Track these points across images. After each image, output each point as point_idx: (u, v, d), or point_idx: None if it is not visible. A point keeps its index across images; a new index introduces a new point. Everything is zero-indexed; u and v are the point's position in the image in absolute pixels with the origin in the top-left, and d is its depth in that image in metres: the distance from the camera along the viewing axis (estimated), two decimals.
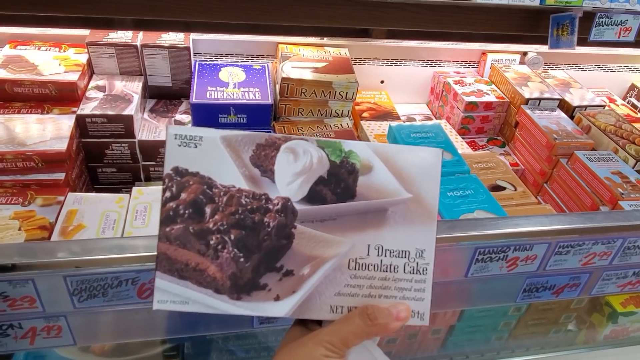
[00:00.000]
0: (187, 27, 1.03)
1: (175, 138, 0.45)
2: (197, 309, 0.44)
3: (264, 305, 0.43)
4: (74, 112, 1.17)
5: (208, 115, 1.28)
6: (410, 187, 0.45)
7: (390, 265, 0.43)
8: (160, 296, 0.45)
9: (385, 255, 0.43)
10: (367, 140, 1.35)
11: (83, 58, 1.28)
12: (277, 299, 0.44)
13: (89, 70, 1.30)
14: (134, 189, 1.06)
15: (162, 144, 1.20)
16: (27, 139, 1.07)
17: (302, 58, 1.39)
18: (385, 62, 1.60)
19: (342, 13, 0.93)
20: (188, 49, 1.32)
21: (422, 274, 0.43)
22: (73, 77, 1.20)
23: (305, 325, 0.46)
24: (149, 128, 1.25)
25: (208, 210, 0.44)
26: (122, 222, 0.98)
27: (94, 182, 1.31)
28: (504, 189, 1.16)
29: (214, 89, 1.30)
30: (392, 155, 0.45)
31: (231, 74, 1.38)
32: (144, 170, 1.30)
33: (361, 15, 0.94)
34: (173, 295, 0.45)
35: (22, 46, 1.28)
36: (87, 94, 1.24)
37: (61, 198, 1.03)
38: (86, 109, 1.19)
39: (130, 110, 1.20)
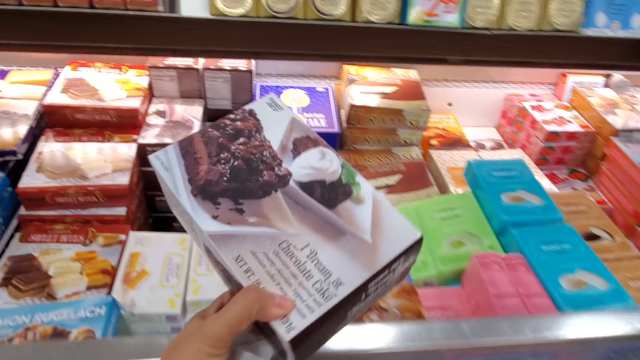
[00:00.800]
0: (255, 55, 0.96)
1: (268, 102, 0.58)
2: (166, 179, 0.50)
3: (203, 215, 0.47)
4: (134, 141, 1.12)
5: None
6: (375, 236, 0.46)
7: (308, 270, 0.44)
8: (161, 154, 0.53)
9: (312, 261, 0.44)
10: (438, 172, 1.25)
11: (144, 81, 1.23)
12: (214, 218, 0.47)
13: (149, 93, 1.25)
14: None
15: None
16: (89, 170, 1.02)
17: (369, 81, 1.30)
18: (454, 83, 1.48)
19: (429, 43, 0.83)
20: (250, 72, 1.25)
21: (324, 299, 0.42)
22: (134, 103, 1.15)
23: (204, 316, 0.45)
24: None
25: (240, 140, 0.53)
26: (186, 267, 0.92)
27: (151, 210, 1.26)
28: (598, 237, 1.04)
29: None
30: (383, 207, 0.49)
31: (294, 98, 1.30)
32: None
33: (450, 47, 0.85)
34: (166, 160, 0.52)
35: (82, 67, 1.25)
36: (148, 119, 1.19)
37: (123, 237, 0.98)
38: (147, 137, 1.13)
39: None
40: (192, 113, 1.23)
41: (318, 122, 1.22)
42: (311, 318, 0.40)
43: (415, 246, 0.46)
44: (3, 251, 0.94)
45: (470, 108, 1.54)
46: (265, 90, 1.31)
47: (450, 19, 0.79)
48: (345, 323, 0.47)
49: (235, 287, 0.46)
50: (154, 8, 0.73)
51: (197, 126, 1.19)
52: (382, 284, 0.46)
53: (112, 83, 1.20)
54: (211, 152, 0.51)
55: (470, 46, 0.84)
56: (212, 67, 1.24)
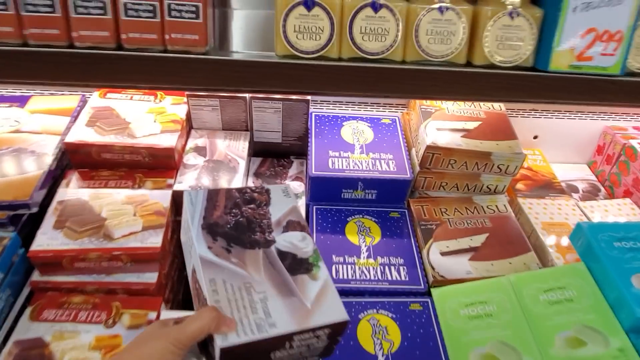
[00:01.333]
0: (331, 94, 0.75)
1: (283, 189, 0.70)
2: (189, 211, 0.63)
3: (202, 243, 0.59)
4: (169, 187, 0.94)
5: (329, 189, 1.00)
6: (313, 306, 0.55)
7: (256, 308, 0.53)
8: (193, 193, 0.66)
9: (261, 302, 0.53)
10: (532, 229, 1.02)
11: (181, 111, 1.05)
12: (209, 248, 0.58)
13: (187, 125, 1.07)
14: None
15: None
16: (115, 228, 0.84)
17: (447, 115, 1.08)
18: (542, 113, 1.25)
19: (574, 91, 0.61)
20: (307, 101, 1.05)
21: (258, 331, 0.50)
22: (171, 140, 0.97)
23: (165, 324, 0.53)
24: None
25: (251, 205, 0.66)
26: None
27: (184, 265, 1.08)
28: None
29: (337, 154, 1.03)
30: (329, 289, 0.58)
31: (356, 132, 1.10)
32: None
33: (601, 96, 0.63)
34: (195, 198, 0.65)
35: (112, 94, 1.07)
36: (185, 158, 1.01)
37: (152, 315, 0.80)
38: (184, 182, 0.95)
39: (237, 183, 0.96)
40: (237, 150, 1.04)
41: (387, 165, 1.01)
42: (243, 339, 0.49)
43: (341, 326, 0.54)
44: (10, 331, 0.77)
45: (559, 142, 1.30)
46: (322, 121, 1.11)
47: (607, 63, 0.57)
48: None
49: (200, 304, 0.56)
50: (202, 49, 0.54)
51: (242, 167, 1.00)
52: (306, 344, 0.54)
53: (145, 114, 1.03)
54: (227, 205, 0.64)
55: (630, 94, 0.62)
56: (261, 96, 1.04)
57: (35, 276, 0.83)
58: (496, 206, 1.05)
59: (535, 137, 1.29)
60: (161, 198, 0.92)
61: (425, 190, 1.07)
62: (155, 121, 1.01)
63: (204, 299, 0.53)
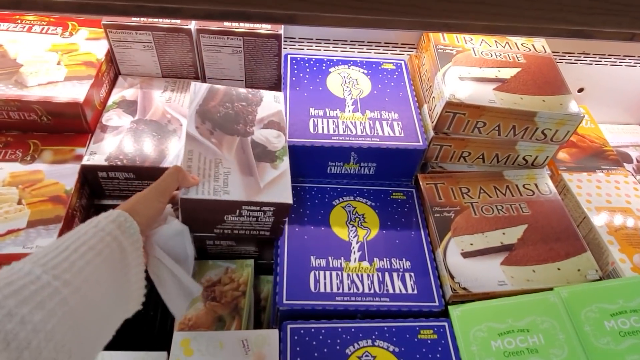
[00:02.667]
0: (290, 20, 0.44)
1: (275, 96, 0.74)
2: (191, 96, 0.69)
3: (192, 122, 0.65)
4: (77, 160, 0.65)
5: (311, 159, 0.72)
6: (265, 187, 0.62)
7: (218, 178, 0.61)
8: (198, 85, 0.70)
9: (224, 175, 0.62)
10: (581, 213, 0.76)
11: (100, 49, 0.74)
12: (196, 127, 0.65)
13: (109, 70, 0.76)
14: (177, 339, 0.54)
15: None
16: None
17: (474, 59, 0.78)
18: (593, 57, 0.95)
19: None
20: (278, 37, 0.75)
21: (214, 193, 0.59)
22: (79, 91, 0.67)
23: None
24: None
25: (243, 103, 0.71)
26: None
27: None
28: None
29: (322, 112, 0.74)
30: (285, 178, 0.64)
31: (347, 81, 0.80)
32: (195, 241, 0.78)
33: None
34: (199, 90, 0.70)
35: (4, 24, 0.76)
36: (105, 118, 0.71)
37: None
38: (99, 152, 0.66)
39: (177, 157, 0.67)
40: (179, 107, 0.74)
41: (390, 128, 0.72)
42: (200, 196, 0.57)
43: (284, 207, 0.61)
44: None
45: (607, 96, 1.01)
46: (300, 66, 0.81)
47: None
48: (221, 230, 0.64)
49: None
50: None
51: (184, 129, 0.71)
52: (254, 216, 0.62)
53: (45, 53, 0.72)
54: (222, 99, 0.70)
55: None
56: (212, 28, 0.73)
57: None
58: (536, 185, 0.77)
59: (580, 90, 0.99)
60: (63, 177, 0.63)
61: (440, 163, 0.79)
62: (59, 63, 0.71)
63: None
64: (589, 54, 0.93)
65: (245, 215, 0.62)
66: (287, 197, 0.61)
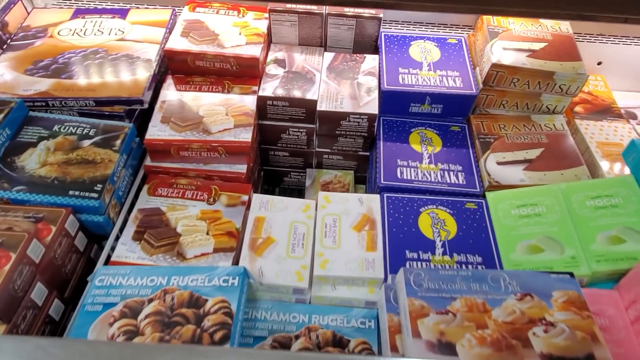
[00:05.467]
0: (390, 6, 0.81)
1: None
2: None
3: None
4: (254, 92, 1.06)
5: (399, 103, 1.09)
6: None
7: None
8: None
9: None
10: (586, 147, 1.09)
11: (262, 25, 1.14)
12: None
13: (268, 39, 1.17)
14: (321, 195, 0.94)
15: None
16: (212, 124, 0.98)
17: (514, 36, 1.12)
18: (609, 38, 1.26)
19: None
20: (379, 19, 1.12)
21: None
22: (255, 51, 1.07)
23: None
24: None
25: None
26: (311, 237, 0.88)
27: (264, 163, 1.22)
28: None
29: (407, 71, 1.11)
30: None
31: (423, 51, 1.16)
32: (317, 156, 1.18)
33: None
34: None
35: (200, 8, 1.18)
36: (267, 69, 1.11)
37: (245, 198, 0.94)
38: (267, 89, 1.07)
39: (313, 94, 1.06)
40: (313, 64, 1.14)
41: (453, 81, 1.08)
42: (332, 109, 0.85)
43: (372, 117, 0.99)
44: (133, 202, 0.94)
45: (622, 69, 1.31)
46: (391, 40, 1.18)
47: None
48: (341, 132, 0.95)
49: None
50: None
51: (318, 79, 1.10)
52: (356, 122, 0.99)
53: (231, 27, 1.13)
54: (341, 60, 1.02)
55: None
56: (335, 12, 1.12)
57: (148, 161, 0.99)
58: (553, 124, 1.11)
59: (599, 64, 1.31)
60: (249, 102, 1.04)
61: (486, 108, 1.14)
62: (240, 34, 1.12)
63: None
64: (604, 34, 1.24)
65: (351, 121, 1.05)
66: (374, 110, 1.04)
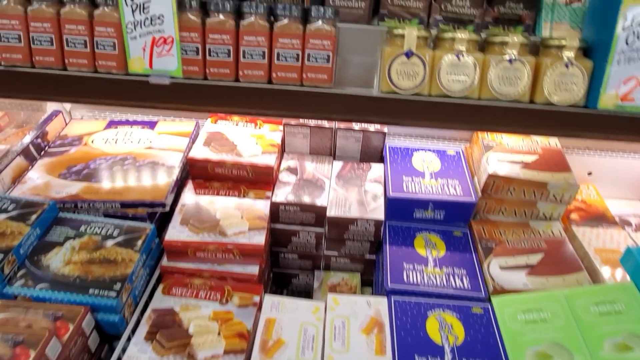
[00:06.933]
0: (393, 124, 0.92)
1: None
2: None
3: None
4: (268, 198, 1.14)
5: (404, 209, 1.16)
6: None
7: None
8: None
9: None
10: (585, 253, 1.13)
11: (277, 137, 1.26)
12: None
13: (281, 148, 1.27)
14: (330, 297, 0.97)
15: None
16: (228, 227, 1.04)
17: (507, 149, 1.23)
18: (595, 151, 1.36)
19: (619, 127, 0.75)
20: (383, 134, 1.24)
21: None
22: (270, 160, 1.17)
23: None
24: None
25: None
26: (321, 340, 0.89)
27: (274, 265, 1.26)
28: None
29: (410, 179, 1.19)
30: None
31: (425, 161, 1.26)
32: (325, 259, 1.22)
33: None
34: None
35: (222, 121, 1.30)
36: (280, 176, 1.20)
37: (257, 298, 0.97)
38: (280, 195, 1.14)
39: (323, 200, 1.14)
40: (323, 172, 1.23)
41: (454, 189, 1.16)
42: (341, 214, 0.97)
43: (378, 223, 1.07)
44: (147, 302, 0.97)
45: (612, 178, 1.40)
46: (395, 151, 1.28)
47: None
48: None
49: None
50: (328, 85, 0.73)
51: (327, 186, 1.18)
52: (364, 227, 1.06)
53: (248, 138, 1.24)
54: (349, 168, 1.16)
55: None
56: (343, 127, 1.23)
57: (164, 262, 1.03)
58: (551, 231, 1.17)
59: (589, 174, 1.40)
60: (263, 207, 1.11)
61: (486, 214, 1.21)
62: (257, 144, 1.22)
63: None
64: (591, 148, 1.35)
65: (359, 226, 1.10)
66: (380, 216, 1.10)
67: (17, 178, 1.12)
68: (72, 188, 1.07)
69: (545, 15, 0.80)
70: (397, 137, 1.37)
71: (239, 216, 1.08)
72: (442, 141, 1.37)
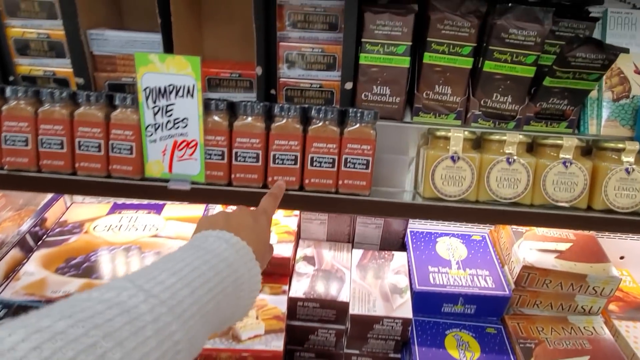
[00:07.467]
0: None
1: None
2: None
3: None
4: (284, 293, 1.04)
5: (431, 303, 1.07)
6: None
7: None
8: None
9: None
10: (630, 351, 1.03)
11: (292, 223, 1.18)
12: None
13: (297, 235, 1.19)
14: None
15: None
16: (242, 330, 0.94)
17: (538, 235, 1.15)
18: (628, 235, 1.29)
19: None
20: (406, 220, 1.16)
21: None
22: (286, 250, 1.08)
23: (243, 209, 0.62)
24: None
25: None
26: None
27: None
28: None
29: (436, 269, 1.11)
30: None
31: (450, 248, 1.18)
32: (345, 358, 1.11)
33: None
34: None
35: (232, 205, 1.23)
36: (297, 267, 1.11)
37: None
38: (298, 290, 1.05)
39: (344, 295, 1.04)
40: (342, 261, 1.14)
41: (485, 281, 1.08)
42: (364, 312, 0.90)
43: (406, 321, 0.97)
44: None
45: None
46: (417, 237, 1.21)
47: None
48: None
49: None
50: (366, 192, 0.67)
51: (348, 277, 1.09)
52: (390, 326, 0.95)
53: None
54: (369, 258, 1.10)
55: None
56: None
57: None
58: (593, 327, 1.07)
59: (621, 258, 1.32)
60: (280, 304, 1.01)
61: (520, 307, 1.11)
62: (272, 232, 1.14)
63: None
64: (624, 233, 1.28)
65: (384, 325, 1.01)
66: (408, 314, 1.00)
67: (11, 272, 1.02)
68: (70, 286, 0.97)
69: (590, 111, 0.75)
70: (417, 221, 1.30)
71: (253, 316, 0.98)
72: (464, 224, 1.30)
